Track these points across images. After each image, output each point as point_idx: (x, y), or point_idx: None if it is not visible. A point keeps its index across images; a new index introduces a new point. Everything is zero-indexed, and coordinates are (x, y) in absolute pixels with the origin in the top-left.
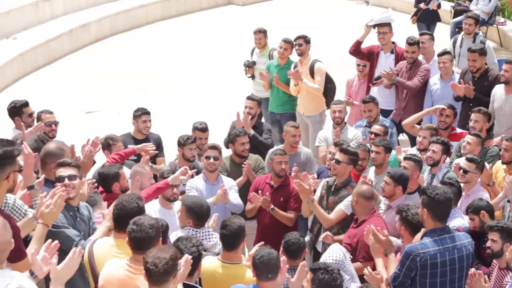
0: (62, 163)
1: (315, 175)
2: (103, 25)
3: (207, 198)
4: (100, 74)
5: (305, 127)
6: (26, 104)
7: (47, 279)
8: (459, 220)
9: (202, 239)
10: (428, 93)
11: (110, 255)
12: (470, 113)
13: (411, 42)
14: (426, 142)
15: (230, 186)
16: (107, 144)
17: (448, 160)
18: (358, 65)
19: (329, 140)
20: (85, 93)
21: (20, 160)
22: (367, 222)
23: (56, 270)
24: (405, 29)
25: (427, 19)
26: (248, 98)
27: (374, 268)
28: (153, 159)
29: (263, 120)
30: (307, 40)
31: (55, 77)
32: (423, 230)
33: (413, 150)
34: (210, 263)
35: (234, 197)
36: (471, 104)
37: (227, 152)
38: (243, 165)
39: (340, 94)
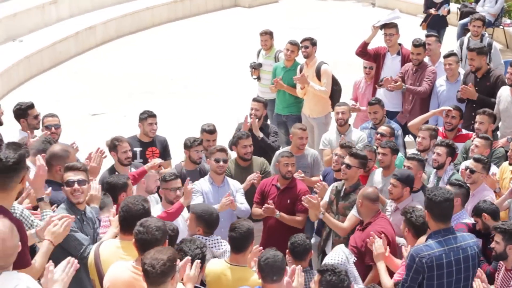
0: (71, 167)
1: (321, 177)
2: (109, 27)
3: (213, 201)
4: (106, 77)
5: (311, 129)
6: (31, 106)
7: None
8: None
9: (212, 247)
10: (434, 95)
11: (116, 257)
12: (473, 114)
13: (417, 44)
14: (425, 143)
15: (237, 189)
16: (113, 146)
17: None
18: (365, 67)
19: (333, 143)
20: (91, 95)
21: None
22: (372, 224)
23: (52, 280)
24: (411, 31)
25: (436, 24)
26: (254, 100)
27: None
28: None
29: (269, 122)
30: (313, 43)
31: (61, 80)
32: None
33: (413, 151)
34: (217, 265)
35: (241, 201)
36: (474, 105)
37: (233, 155)
38: (254, 180)
39: (346, 95)
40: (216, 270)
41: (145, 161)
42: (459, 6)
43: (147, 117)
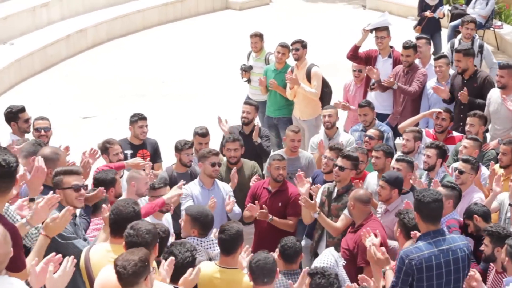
0: (75, 172)
1: (310, 180)
2: (100, 30)
3: (203, 204)
4: (97, 80)
5: (302, 131)
6: (22, 109)
7: None
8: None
9: (207, 248)
10: (424, 97)
11: (106, 260)
12: (461, 115)
13: (407, 46)
14: (409, 145)
15: (227, 192)
16: (105, 148)
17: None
18: (354, 70)
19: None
20: (82, 98)
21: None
22: (365, 226)
23: (52, 279)
24: (402, 33)
25: (431, 28)
26: (246, 103)
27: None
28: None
29: (259, 124)
30: (304, 45)
31: (52, 83)
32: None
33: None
34: (208, 268)
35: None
36: (462, 107)
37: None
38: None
39: (336, 97)
40: (206, 273)
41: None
42: (449, 8)
43: (137, 119)
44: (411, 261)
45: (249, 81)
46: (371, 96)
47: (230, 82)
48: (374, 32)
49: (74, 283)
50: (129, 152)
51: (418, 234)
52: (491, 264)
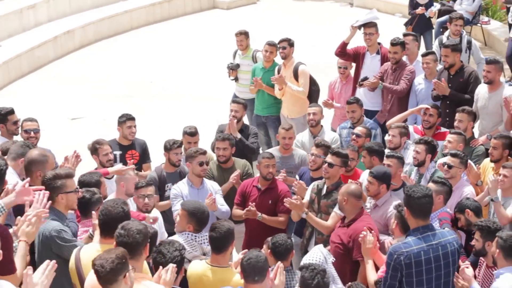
0: (73, 174)
1: (297, 177)
2: (87, 31)
3: None
4: (85, 81)
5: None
6: (11, 111)
7: None
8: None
9: (201, 243)
10: (412, 93)
11: None
12: (447, 110)
13: (394, 43)
14: (395, 141)
15: (215, 190)
16: (94, 149)
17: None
18: (339, 67)
19: (306, 144)
20: (70, 99)
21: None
22: (358, 221)
23: (31, 283)
24: (389, 30)
25: (421, 27)
26: (233, 101)
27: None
28: (139, 165)
29: (247, 121)
30: (291, 43)
31: (40, 84)
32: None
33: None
34: (198, 266)
35: (221, 203)
36: (448, 102)
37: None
38: (233, 177)
39: (324, 96)
40: (197, 272)
41: (124, 164)
42: (436, 4)
43: (125, 120)
44: (399, 256)
45: (236, 79)
46: (360, 92)
47: (218, 81)
48: (362, 28)
49: (60, 286)
50: (118, 152)
51: None
52: (481, 258)
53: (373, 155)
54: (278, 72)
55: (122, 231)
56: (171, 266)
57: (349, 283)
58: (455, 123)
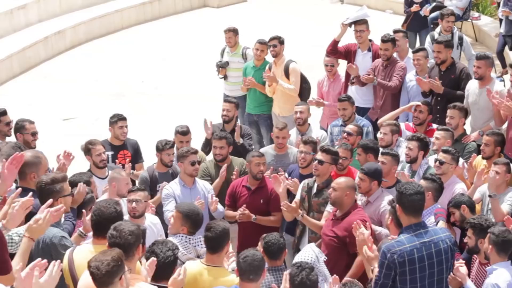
0: (67, 178)
1: (286, 175)
2: (78, 31)
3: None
4: (76, 81)
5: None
6: (4, 113)
7: None
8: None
9: (195, 246)
10: (404, 90)
11: None
12: (438, 107)
13: (385, 39)
14: (387, 138)
15: (208, 190)
16: (87, 149)
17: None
18: (326, 65)
19: (293, 142)
20: (62, 100)
21: None
22: (353, 214)
23: (39, 283)
24: (379, 27)
25: (416, 25)
26: (226, 101)
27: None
28: (132, 165)
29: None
30: (281, 41)
31: (32, 85)
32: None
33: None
34: (193, 266)
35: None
36: (438, 99)
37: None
38: (222, 170)
39: (315, 93)
40: (192, 271)
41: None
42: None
43: (117, 120)
44: (392, 255)
45: (225, 77)
46: (352, 90)
47: (209, 80)
48: (353, 26)
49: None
50: (109, 153)
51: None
52: (475, 255)
53: (369, 153)
54: (270, 70)
55: (114, 232)
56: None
57: (344, 280)
58: (447, 120)
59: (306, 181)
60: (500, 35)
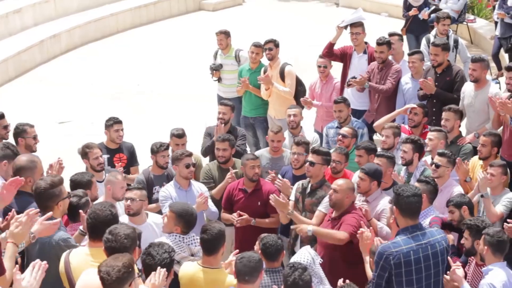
0: (63, 181)
1: (280, 176)
2: (73, 35)
3: None
4: (72, 84)
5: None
6: (1, 116)
7: None
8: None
9: (189, 244)
10: (400, 93)
11: (86, 264)
12: (434, 109)
13: (380, 42)
14: (389, 141)
15: (203, 192)
16: (84, 153)
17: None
18: (319, 66)
19: (286, 145)
20: (58, 103)
21: None
22: (350, 214)
23: (20, 286)
24: (375, 30)
25: (416, 29)
26: (221, 103)
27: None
28: (127, 168)
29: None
30: (276, 44)
31: (27, 89)
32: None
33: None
34: (190, 268)
35: (210, 204)
36: (434, 101)
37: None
38: (229, 176)
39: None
40: (189, 273)
41: (113, 168)
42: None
43: (113, 123)
44: (388, 256)
45: (219, 80)
46: (348, 92)
47: (205, 82)
48: (348, 28)
49: None
50: (105, 156)
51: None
52: (471, 257)
53: (371, 154)
54: (265, 73)
55: (110, 236)
56: (162, 271)
57: (339, 284)
58: (442, 122)
59: (300, 182)
60: (495, 38)
